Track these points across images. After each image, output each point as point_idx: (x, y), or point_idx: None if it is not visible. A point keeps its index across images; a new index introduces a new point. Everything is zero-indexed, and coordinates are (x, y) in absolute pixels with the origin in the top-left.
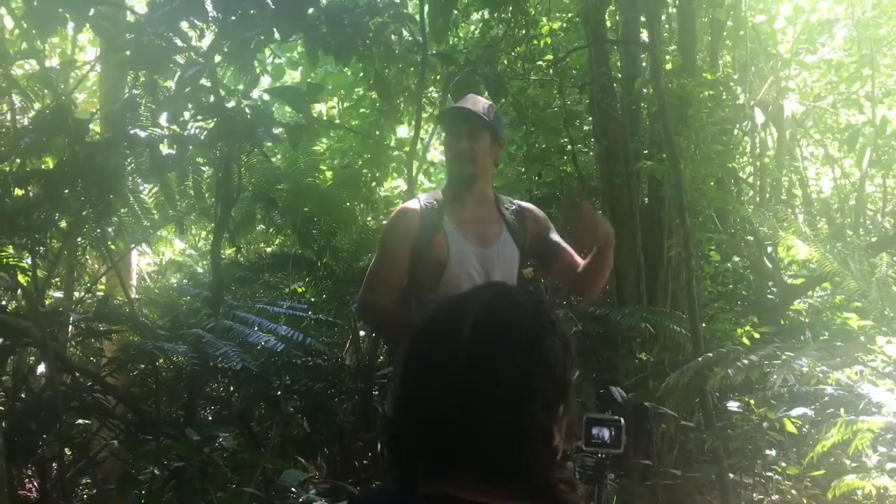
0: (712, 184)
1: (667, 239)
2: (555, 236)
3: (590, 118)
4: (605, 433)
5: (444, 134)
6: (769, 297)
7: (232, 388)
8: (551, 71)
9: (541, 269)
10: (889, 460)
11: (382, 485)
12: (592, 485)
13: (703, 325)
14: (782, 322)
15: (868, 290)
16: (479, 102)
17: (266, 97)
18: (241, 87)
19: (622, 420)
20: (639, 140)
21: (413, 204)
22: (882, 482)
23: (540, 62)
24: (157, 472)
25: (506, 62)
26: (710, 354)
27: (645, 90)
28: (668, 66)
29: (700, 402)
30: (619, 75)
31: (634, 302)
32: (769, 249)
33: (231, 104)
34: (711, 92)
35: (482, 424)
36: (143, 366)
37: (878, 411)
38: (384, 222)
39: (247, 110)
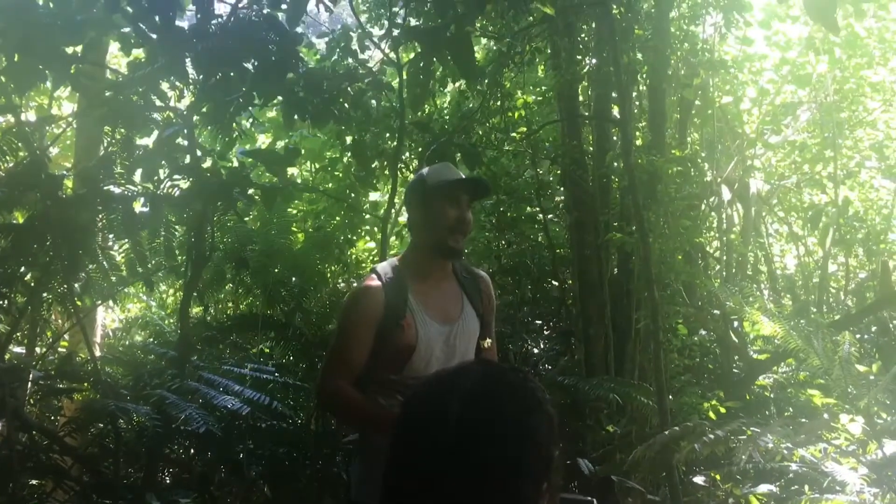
0: (680, 258)
1: (635, 311)
2: (492, 322)
3: (561, 189)
4: None
5: (433, 202)
6: (735, 371)
7: (192, 451)
8: (525, 142)
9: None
10: None
11: None
12: None
13: (671, 397)
14: (748, 397)
15: (831, 367)
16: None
17: (242, 159)
18: (217, 147)
19: (595, 501)
20: (609, 212)
21: (374, 282)
22: None
23: (514, 134)
24: None
25: (480, 133)
26: (677, 428)
27: (616, 164)
28: (639, 142)
29: (666, 477)
30: (591, 149)
31: (602, 373)
32: (735, 324)
33: (207, 164)
34: (680, 168)
35: (471, 500)
36: (102, 426)
37: (841, 490)
38: (345, 301)
39: (222, 171)
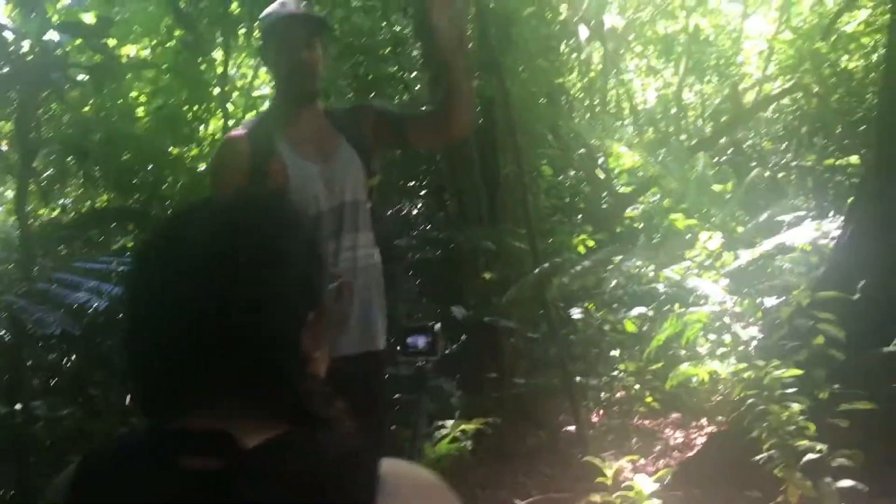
0: (543, 101)
1: (502, 158)
2: (396, 110)
3: (419, 43)
4: (420, 341)
5: (270, 46)
6: (604, 207)
7: (56, 354)
8: None
9: (400, 143)
10: (719, 346)
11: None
12: (413, 394)
13: (544, 239)
14: (618, 229)
15: (688, 189)
16: (296, 3)
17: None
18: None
19: (437, 325)
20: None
21: (239, 132)
22: (713, 367)
23: None
24: None
25: None
26: (546, 265)
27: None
28: None
29: (544, 313)
30: None
31: (477, 223)
32: (601, 161)
33: (24, 49)
34: (533, 9)
35: (211, 336)
36: None
37: (705, 302)
38: (211, 158)
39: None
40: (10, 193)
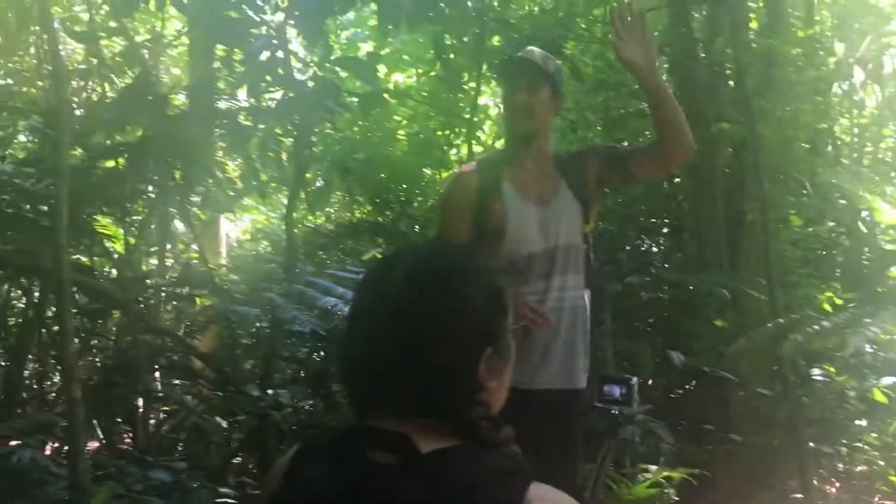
0: (804, 146)
1: (748, 203)
2: (622, 147)
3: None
4: (616, 391)
5: (501, 88)
6: (865, 263)
7: (307, 349)
8: None
9: (625, 178)
10: None
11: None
12: (603, 440)
13: (786, 291)
14: (879, 289)
15: None
16: (537, 53)
17: (330, 68)
18: (315, 59)
19: (634, 379)
20: (720, 102)
21: (469, 168)
22: None
23: None
24: (224, 423)
25: (584, 26)
26: (782, 320)
27: (728, 51)
28: (753, 25)
29: (779, 370)
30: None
31: (716, 268)
32: (864, 214)
33: (305, 76)
34: (800, 50)
35: (400, 365)
36: (223, 328)
37: None
38: (443, 188)
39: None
40: (283, 198)
